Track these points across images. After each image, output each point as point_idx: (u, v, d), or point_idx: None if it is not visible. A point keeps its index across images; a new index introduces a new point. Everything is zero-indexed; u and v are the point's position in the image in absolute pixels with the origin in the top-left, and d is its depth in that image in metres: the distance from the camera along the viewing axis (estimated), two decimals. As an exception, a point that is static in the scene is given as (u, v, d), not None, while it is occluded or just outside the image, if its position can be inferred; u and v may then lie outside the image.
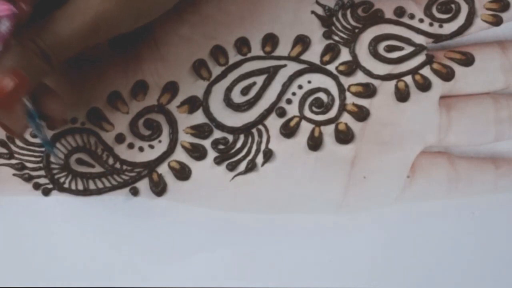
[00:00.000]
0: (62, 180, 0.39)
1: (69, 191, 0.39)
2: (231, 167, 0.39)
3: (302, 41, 0.42)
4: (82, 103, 0.40)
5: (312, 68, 0.41)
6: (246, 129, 0.40)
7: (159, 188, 0.39)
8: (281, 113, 0.40)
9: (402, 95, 0.40)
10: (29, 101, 0.35)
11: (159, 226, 0.38)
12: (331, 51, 0.42)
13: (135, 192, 0.39)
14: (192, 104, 0.41)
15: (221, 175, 0.39)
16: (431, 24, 0.42)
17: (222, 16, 0.42)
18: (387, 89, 0.41)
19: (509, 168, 0.38)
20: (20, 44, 0.33)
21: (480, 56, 0.41)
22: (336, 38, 0.42)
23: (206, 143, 0.40)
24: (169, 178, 0.39)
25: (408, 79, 0.41)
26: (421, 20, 0.42)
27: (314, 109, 0.40)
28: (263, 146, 0.40)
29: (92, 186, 0.39)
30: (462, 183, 0.38)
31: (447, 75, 0.41)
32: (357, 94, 0.41)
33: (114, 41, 0.40)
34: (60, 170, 0.39)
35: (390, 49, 0.42)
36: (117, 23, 0.36)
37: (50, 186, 0.39)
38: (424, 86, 0.40)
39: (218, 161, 0.39)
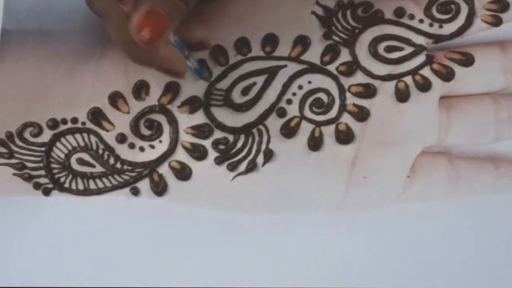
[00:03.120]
0: (62, 180, 0.39)
1: (69, 191, 0.39)
2: (232, 167, 0.39)
3: (302, 42, 0.42)
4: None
5: (312, 68, 0.41)
6: (246, 129, 0.40)
7: (159, 188, 0.39)
8: (282, 113, 0.40)
9: (402, 96, 0.40)
10: (174, 36, 0.37)
11: (159, 226, 0.38)
12: (331, 52, 0.42)
13: (135, 192, 0.39)
14: (193, 104, 0.41)
15: (222, 175, 0.39)
16: (431, 25, 0.42)
17: (222, 16, 0.42)
18: (387, 89, 0.41)
19: (509, 168, 0.39)
20: None
21: (480, 57, 0.41)
22: (336, 38, 0.42)
23: (207, 143, 0.40)
24: (170, 178, 0.39)
25: (408, 79, 0.41)
26: (421, 21, 0.42)
27: (315, 109, 0.40)
28: (263, 146, 0.40)
29: (92, 186, 0.39)
30: (462, 183, 0.38)
31: (447, 76, 0.41)
32: (357, 95, 0.41)
33: None
34: (61, 170, 0.39)
35: (390, 49, 0.42)
36: None
37: (50, 186, 0.39)
38: (424, 86, 0.40)
39: (218, 161, 0.39)
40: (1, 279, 0.37)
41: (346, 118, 0.40)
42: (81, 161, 0.40)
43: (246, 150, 0.40)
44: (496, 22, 0.42)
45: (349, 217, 0.38)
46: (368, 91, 0.41)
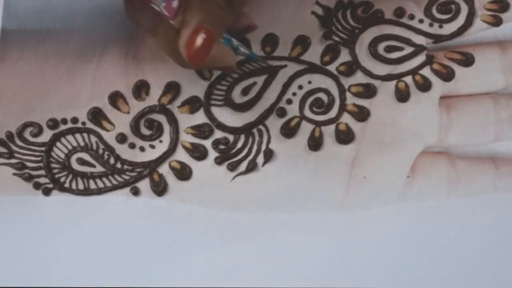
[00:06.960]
0: (62, 179, 0.39)
1: (69, 190, 0.39)
2: (232, 167, 0.39)
3: (302, 42, 0.42)
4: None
5: (313, 68, 0.41)
6: (246, 129, 0.40)
7: (159, 188, 0.39)
8: (282, 113, 0.40)
9: (402, 96, 0.40)
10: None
11: (159, 226, 0.38)
12: (331, 52, 0.42)
13: (135, 192, 0.39)
14: (193, 104, 0.41)
15: (222, 175, 0.39)
16: (431, 25, 0.42)
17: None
18: (387, 89, 0.41)
19: (509, 168, 0.39)
20: None
21: (480, 57, 0.41)
22: (336, 38, 0.42)
23: (207, 143, 0.40)
24: (170, 178, 0.39)
25: (408, 79, 0.41)
26: (421, 21, 0.42)
27: (315, 109, 0.40)
28: (263, 146, 0.40)
29: (92, 185, 0.39)
30: (462, 183, 0.38)
31: (447, 75, 0.41)
32: (357, 95, 0.41)
33: None
34: (61, 170, 0.39)
35: (390, 49, 0.42)
36: None
37: (51, 185, 0.39)
38: (424, 86, 0.40)
39: (218, 161, 0.39)
40: (1, 279, 0.37)
41: (346, 118, 0.40)
42: (81, 161, 0.40)
43: (246, 150, 0.40)
44: (496, 22, 0.42)
45: (349, 217, 0.38)
46: (368, 91, 0.41)
